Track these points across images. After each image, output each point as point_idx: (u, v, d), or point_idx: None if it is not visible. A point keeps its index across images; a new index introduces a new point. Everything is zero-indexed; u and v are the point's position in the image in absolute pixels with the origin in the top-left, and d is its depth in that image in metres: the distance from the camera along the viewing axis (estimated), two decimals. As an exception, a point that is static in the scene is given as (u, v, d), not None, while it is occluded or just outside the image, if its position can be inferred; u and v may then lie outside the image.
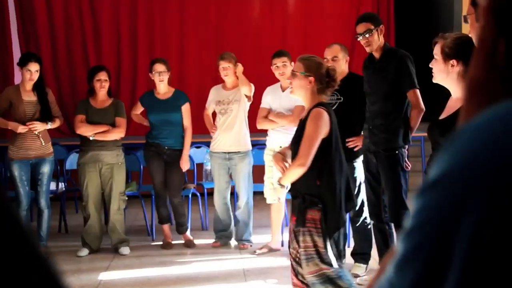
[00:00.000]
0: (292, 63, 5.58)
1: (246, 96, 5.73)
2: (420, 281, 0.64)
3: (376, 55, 4.67)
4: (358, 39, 4.70)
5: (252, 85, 5.73)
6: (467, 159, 0.63)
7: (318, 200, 3.39)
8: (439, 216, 0.63)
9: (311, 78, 3.51)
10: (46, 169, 5.61)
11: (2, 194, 0.64)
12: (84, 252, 5.72)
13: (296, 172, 3.43)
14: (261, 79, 6.60)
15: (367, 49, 4.69)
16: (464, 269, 0.61)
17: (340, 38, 7.66)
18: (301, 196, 3.45)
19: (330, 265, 3.40)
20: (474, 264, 0.60)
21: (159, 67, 5.86)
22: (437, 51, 3.18)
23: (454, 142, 0.65)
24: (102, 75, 5.70)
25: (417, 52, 5.28)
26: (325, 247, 3.37)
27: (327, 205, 3.38)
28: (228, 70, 5.76)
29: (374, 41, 4.61)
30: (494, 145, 0.62)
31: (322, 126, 3.41)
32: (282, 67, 5.56)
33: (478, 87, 0.72)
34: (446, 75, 3.14)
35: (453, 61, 3.11)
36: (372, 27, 4.60)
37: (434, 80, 3.24)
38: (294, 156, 3.50)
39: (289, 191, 3.70)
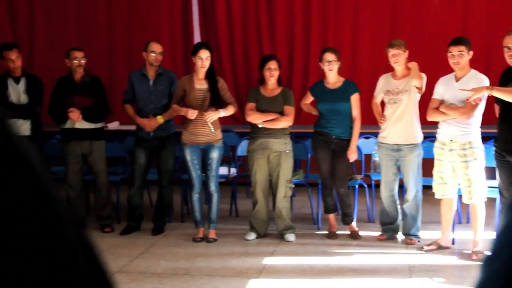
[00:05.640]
0: (471, 52, 5.22)
1: (417, 87, 5.48)
2: None
3: None
4: None
5: (424, 76, 5.46)
6: None
7: None
8: None
9: None
10: (214, 154, 5.86)
11: (38, 172, 0.60)
12: (252, 236, 5.91)
13: None
14: (437, 68, 6.27)
15: None
16: None
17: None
18: None
19: None
20: None
21: (329, 56, 5.83)
22: None
23: None
24: (272, 64, 5.81)
25: None
26: None
27: None
28: (398, 57, 5.56)
29: None
30: None
31: None
32: (458, 56, 5.20)
33: None
34: None
35: None
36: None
37: None
38: None
39: None
